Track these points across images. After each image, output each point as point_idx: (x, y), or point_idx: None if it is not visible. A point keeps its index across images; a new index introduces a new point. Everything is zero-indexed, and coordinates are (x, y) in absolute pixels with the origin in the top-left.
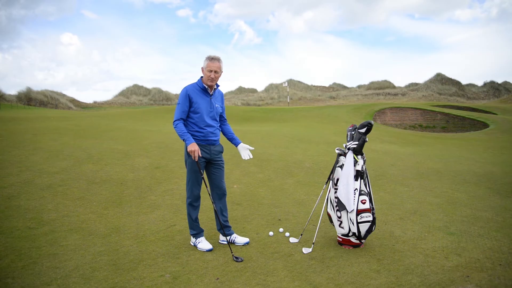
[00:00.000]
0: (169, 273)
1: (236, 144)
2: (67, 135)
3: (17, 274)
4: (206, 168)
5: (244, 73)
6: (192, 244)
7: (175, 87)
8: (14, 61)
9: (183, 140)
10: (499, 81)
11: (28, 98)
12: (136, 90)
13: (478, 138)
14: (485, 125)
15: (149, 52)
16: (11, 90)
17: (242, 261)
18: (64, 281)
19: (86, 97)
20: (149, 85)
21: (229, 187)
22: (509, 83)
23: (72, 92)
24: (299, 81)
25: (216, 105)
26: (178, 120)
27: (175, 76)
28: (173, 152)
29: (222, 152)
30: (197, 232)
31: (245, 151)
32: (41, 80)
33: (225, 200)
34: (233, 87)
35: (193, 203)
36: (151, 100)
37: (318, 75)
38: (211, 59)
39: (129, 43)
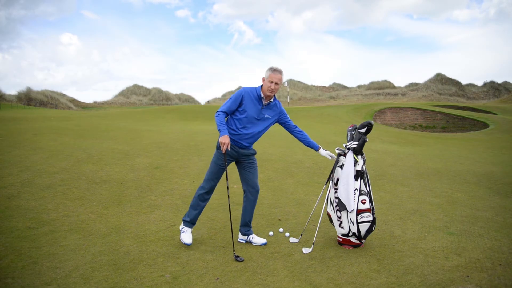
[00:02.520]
0: (169, 273)
1: (316, 149)
2: (67, 135)
3: (17, 274)
4: (240, 166)
5: (244, 73)
6: (180, 229)
7: (175, 87)
8: (14, 61)
9: (218, 130)
10: (499, 81)
11: (28, 98)
12: (136, 90)
13: (478, 138)
14: (485, 125)
15: (149, 52)
16: (11, 90)
17: (242, 260)
18: (64, 281)
19: (86, 97)
20: (149, 85)
21: (230, 187)
22: (509, 83)
23: (72, 92)
24: (299, 81)
25: (266, 116)
26: (222, 112)
27: (175, 76)
28: (173, 152)
29: (254, 154)
30: (189, 220)
31: (326, 154)
32: (41, 80)
33: (257, 198)
34: (233, 87)
35: (205, 195)
36: (151, 100)
37: (318, 75)
38: (274, 70)
39: (129, 43)
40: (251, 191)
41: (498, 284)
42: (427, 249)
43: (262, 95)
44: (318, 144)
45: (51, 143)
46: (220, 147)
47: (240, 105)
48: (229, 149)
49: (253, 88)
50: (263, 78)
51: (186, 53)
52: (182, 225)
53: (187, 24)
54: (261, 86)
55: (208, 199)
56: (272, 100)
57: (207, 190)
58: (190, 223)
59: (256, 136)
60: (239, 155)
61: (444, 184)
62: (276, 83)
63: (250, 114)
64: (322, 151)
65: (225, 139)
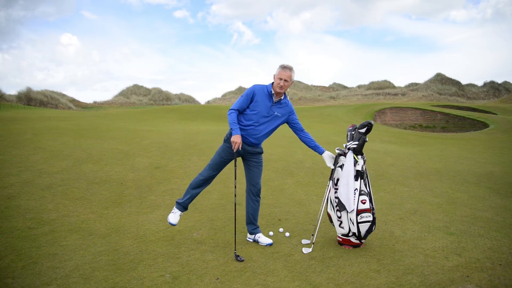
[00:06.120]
0: (169, 273)
1: (320, 153)
2: (67, 135)
3: (17, 274)
4: (246, 163)
5: (244, 73)
6: (172, 211)
7: (175, 87)
8: (14, 61)
9: (231, 128)
10: (499, 81)
11: (28, 98)
12: (136, 90)
13: (478, 138)
14: (485, 125)
15: (148, 52)
16: (11, 90)
17: (242, 260)
18: (64, 281)
19: (86, 97)
20: (149, 85)
21: (230, 186)
22: (509, 83)
23: (72, 92)
24: (299, 81)
25: (276, 113)
26: (234, 110)
27: (175, 76)
28: (173, 152)
29: (260, 154)
30: (181, 202)
31: (330, 159)
32: (40, 80)
33: (258, 197)
34: (233, 87)
35: (200, 182)
36: (151, 100)
37: (318, 75)
38: (283, 67)
39: (129, 43)
40: (251, 189)
41: (498, 284)
42: (427, 249)
43: (273, 92)
44: (323, 148)
45: (51, 143)
46: (227, 139)
47: (251, 101)
48: (240, 148)
49: (264, 85)
50: (274, 75)
51: (185, 53)
52: (174, 208)
53: (186, 25)
54: (272, 83)
55: (203, 186)
56: (282, 97)
57: (204, 178)
58: (182, 206)
59: (265, 134)
60: (245, 152)
61: (444, 184)
62: (285, 80)
63: (260, 110)
64: (326, 154)
65: (237, 139)
